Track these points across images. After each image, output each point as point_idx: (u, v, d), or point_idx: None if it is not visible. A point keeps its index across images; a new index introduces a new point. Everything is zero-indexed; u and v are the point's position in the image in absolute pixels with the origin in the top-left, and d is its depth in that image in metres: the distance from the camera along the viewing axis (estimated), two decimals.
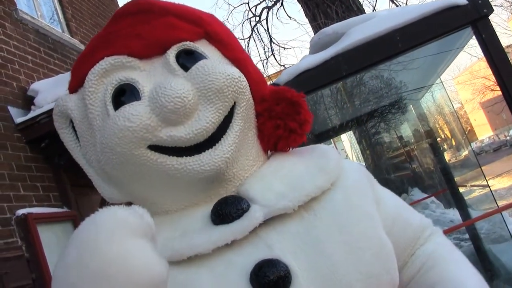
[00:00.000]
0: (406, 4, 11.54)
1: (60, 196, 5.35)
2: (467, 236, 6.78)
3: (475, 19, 3.78)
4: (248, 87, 1.10)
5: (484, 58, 3.96)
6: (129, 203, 0.94)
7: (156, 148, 1.00)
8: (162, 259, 0.71)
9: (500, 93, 3.85)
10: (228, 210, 0.97)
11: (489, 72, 3.95)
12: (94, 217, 0.72)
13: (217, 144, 1.01)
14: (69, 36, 7.20)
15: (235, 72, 1.06)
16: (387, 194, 1.20)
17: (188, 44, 1.09)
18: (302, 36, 64.72)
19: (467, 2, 3.79)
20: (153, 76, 1.06)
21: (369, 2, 26.04)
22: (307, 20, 9.73)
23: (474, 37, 4.00)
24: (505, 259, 5.51)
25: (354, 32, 4.00)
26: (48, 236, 4.60)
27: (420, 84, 7.92)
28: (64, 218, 5.04)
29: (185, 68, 1.05)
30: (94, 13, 8.63)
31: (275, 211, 0.96)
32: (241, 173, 1.07)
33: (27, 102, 5.43)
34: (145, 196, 1.10)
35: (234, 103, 1.06)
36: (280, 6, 12.56)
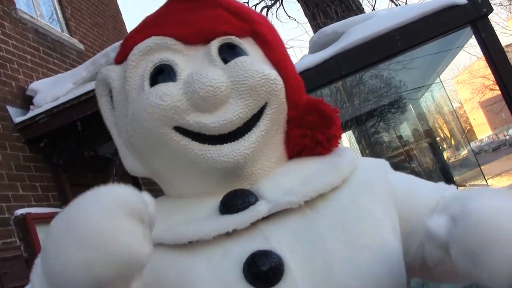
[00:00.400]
0: (406, 3, 11.53)
1: (59, 196, 5.34)
2: None
3: (475, 18, 3.78)
4: (283, 91, 1.12)
5: (484, 58, 3.96)
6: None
7: (181, 130, 1.04)
8: (147, 247, 0.72)
9: (499, 92, 3.85)
10: (235, 201, 0.99)
11: (488, 71, 3.95)
12: (98, 189, 0.75)
13: (240, 139, 1.04)
14: (69, 36, 7.19)
15: (272, 73, 1.08)
16: (398, 180, 1.14)
17: (232, 39, 1.13)
18: (301, 36, 64.94)
19: (466, 1, 3.79)
20: (193, 63, 1.11)
21: (369, 1, 26.04)
22: (306, 20, 9.72)
23: (473, 36, 4.00)
24: None
25: (353, 31, 4.00)
26: None
27: (419, 83, 7.93)
28: None
29: (225, 61, 1.09)
30: (93, 12, 8.62)
31: (279, 205, 0.97)
32: (259, 173, 1.09)
33: (26, 101, 5.41)
34: (164, 175, 1.15)
35: (266, 103, 1.08)
36: (280, 6, 12.57)
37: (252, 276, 0.90)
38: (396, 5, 10.83)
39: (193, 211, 1.04)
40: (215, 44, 1.11)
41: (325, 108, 1.15)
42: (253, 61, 1.08)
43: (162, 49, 1.12)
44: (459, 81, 46.44)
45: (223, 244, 0.96)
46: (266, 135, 1.08)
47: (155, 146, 1.07)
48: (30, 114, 5.13)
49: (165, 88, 1.03)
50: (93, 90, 4.61)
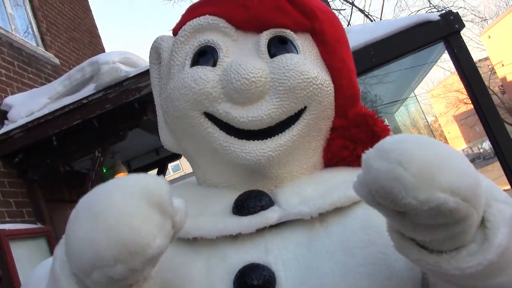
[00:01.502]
0: (381, 19, 11.69)
1: (34, 211, 5.27)
2: None
3: (447, 34, 3.85)
4: (330, 97, 1.06)
5: (455, 73, 4.03)
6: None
7: (210, 117, 1.02)
8: (157, 240, 0.64)
9: (472, 106, 3.91)
10: (247, 203, 0.96)
11: (462, 85, 4.02)
12: (125, 176, 0.71)
13: (269, 139, 1.00)
14: (44, 50, 7.13)
15: (319, 77, 1.02)
16: None
17: (286, 33, 1.07)
18: None
19: (439, 17, 3.86)
20: (240, 49, 1.07)
21: (344, 17, 26.32)
22: None
23: (446, 51, 4.07)
24: None
25: None
26: (21, 252, 4.52)
27: (394, 97, 8.02)
28: (37, 234, 4.96)
29: (274, 56, 1.04)
30: (69, 26, 8.57)
31: (290, 215, 0.93)
32: (286, 176, 1.05)
33: (0, 116, 5.35)
34: (193, 156, 1.13)
35: (305, 107, 1.03)
36: None
37: None
38: (371, 21, 10.97)
39: (207, 205, 1.01)
40: (266, 35, 1.06)
41: (374, 123, 1.08)
42: (300, 60, 1.01)
43: (212, 29, 1.08)
44: (434, 95, 47.04)
45: (224, 247, 0.94)
46: (300, 140, 1.03)
47: (184, 127, 1.06)
48: (5, 129, 5.07)
49: (202, 72, 1.01)
50: (68, 105, 4.61)
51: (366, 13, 11.53)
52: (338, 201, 0.95)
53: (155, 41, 1.20)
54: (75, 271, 0.70)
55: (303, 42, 1.08)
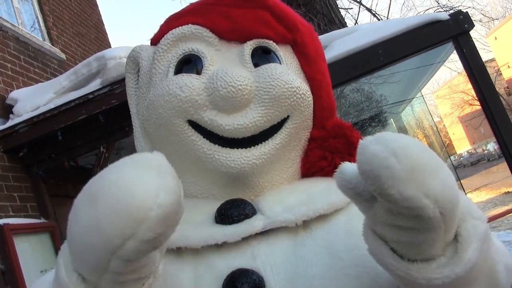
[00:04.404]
0: (387, 18, 11.66)
1: (38, 206, 5.26)
2: None
3: (457, 34, 3.84)
4: (310, 107, 1.09)
5: (463, 73, 4.02)
6: None
7: (195, 125, 1.02)
8: (157, 199, 0.60)
9: (478, 107, 3.92)
10: (231, 212, 0.96)
11: (467, 86, 4.00)
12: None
13: (252, 147, 1.01)
14: (50, 45, 7.12)
15: (302, 87, 1.05)
16: None
17: (269, 43, 1.10)
18: None
19: (448, 17, 3.84)
20: (224, 59, 1.08)
21: (352, 16, 26.28)
22: None
23: (454, 51, 4.05)
24: None
25: (336, 45, 4.02)
26: (24, 247, 4.51)
27: (400, 97, 8.00)
28: (41, 229, 4.95)
29: (257, 65, 1.05)
30: (75, 21, 8.56)
31: (275, 222, 0.94)
32: (267, 185, 1.06)
33: (6, 110, 5.34)
34: (172, 166, 1.09)
35: (288, 116, 1.05)
36: None
37: None
38: (378, 20, 10.95)
39: (189, 214, 0.97)
40: (250, 45, 1.08)
41: (352, 135, 1.11)
42: (284, 70, 1.04)
43: (196, 38, 1.10)
44: (439, 95, 47.00)
45: (211, 255, 0.93)
46: (281, 149, 1.05)
47: (166, 136, 1.05)
48: (10, 123, 5.06)
49: (187, 79, 1.01)
50: (74, 100, 4.60)
51: (374, 12, 11.50)
52: (322, 208, 0.96)
53: (133, 50, 1.20)
54: (86, 274, 0.68)
55: (285, 54, 1.11)
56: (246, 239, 0.93)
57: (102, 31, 9.91)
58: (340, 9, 9.43)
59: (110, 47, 9.42)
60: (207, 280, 0.91)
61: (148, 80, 1.13)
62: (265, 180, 1.06)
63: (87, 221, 0.63)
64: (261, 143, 1.03)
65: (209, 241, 0.92)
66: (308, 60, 1.14)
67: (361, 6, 11.42)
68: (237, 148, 1.01)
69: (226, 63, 1.06)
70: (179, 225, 0.94)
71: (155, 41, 1.17)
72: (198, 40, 1.09)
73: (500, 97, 4.17)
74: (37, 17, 7.31)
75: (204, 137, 1.02)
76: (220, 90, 0.97)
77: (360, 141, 0.65)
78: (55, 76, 6.41)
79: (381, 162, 0.61)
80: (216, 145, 1.01)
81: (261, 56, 1.08)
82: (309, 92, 1.09)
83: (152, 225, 0.60)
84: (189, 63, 1.07)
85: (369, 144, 0.63)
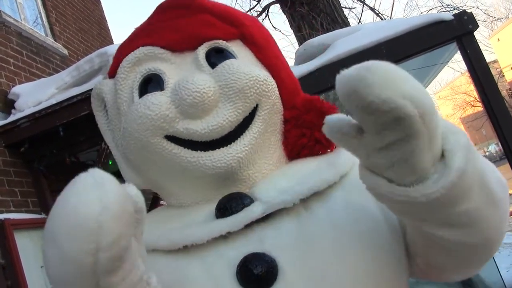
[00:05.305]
0: (390, 17, 11.64)
1: (39, 202, 5.26)
2: None
3: (461, 34, 3.82)
4: (275, 91, 1.11)
5: (465, 74, 4.03)
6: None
7: (172, 139, 1.04)
8: (104, 199, 0.61)
9: (480, 109, 3.91)
10: (230, 204, 0.98)
11: (469, 88, 4.00)
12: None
13: (232, 143, 1.04)
14: (53, 40, 7.11)
15: (261, 74, 1.07)
16: None
17: (219, 43, 1.13)
18: (287, 47, 65.01)
19: (453, 17, 3.83)
20: (181, 70, 1.11)
21: (355, 15, 26.26)
22: (291, 31, 9.75)
23: (458, 52, 4.04)
24: (483, 274, 5.52)
25: (339, 44, 4.01)
26: (25, 242, 4.51)
27: None
28: (42, 224, 4.93)
29: (214, 65, 1.08)
30: (78, 17, 8.55)
31: (273, 206, 0.96)
32: (257, 175, 1.09)
33: (8, 105, 5.34)
34: (162, 185, 1.14)
35: (257, 105, 1.07)
36: (266, 17, 12.58)
37: (244, 280, 0.90)
38: (382, 19, 10.93)
39: (189, 218, 1.03)
40: (202, 50, 1.12)
41: (322, 106, 1.14)
42: (240, 63, 1.07)
43: (150, 59, 1.12)
44: (441, 96, 46.93)
45: (218, 247, 0.95)
46: (260, 137, 1.08)
47: (148, 157, 1.07)
48: (12, 118, 5.06)
49: (152, 97, 1.03)
50: (76, 96, 4.60)
51: (377, 12, 11.48)
52: (315, 185, 0.99)
53: (95, 88, 1.22)
54: None
55: (237, 48, 1.15)
56: (250, 227, 0.96)
57: (104, 28, 9.90)
58: (343, 8, 9.42)
59: (113, 43, 9.42)
60: (219, 268, 0.93)
61: (116, 111, 1.15)
62: (254, 171, 1.08)
63: (56, 258, 0.63)
64: (240, 136, 1.05)
65: (213, 234, 0.94)
66: (259, 48, 1.18)
67: (364, 5, 11.40)
68: (219, 148, 1.03)
69: (185, 73, 1.09)
70: (181, 228, 0.98)
71: (112, 73, 1.19)
72: (152, 59, 1.12)
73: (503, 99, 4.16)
74: (40, 13, 7.30)
75: (185, 147, 1.04)
76: (186, 99, 1.00)
77: (337, 75, 0.68)
78: (57, 71, 6.40)
79: (355, 78, 0.63)
80: (198, 151, 1.03)
81: (216, 56, 1.11)
82: (270, 77, 1.11)
83: (109, 227, 0.61)
84: (150, 82, 1.09)
85: (344, 72, 0.66)
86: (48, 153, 5.17)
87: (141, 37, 1.17)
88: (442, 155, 0.73)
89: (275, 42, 1.27)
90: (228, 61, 1.07)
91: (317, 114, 1.13)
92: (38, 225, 4.88)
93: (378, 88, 0.62)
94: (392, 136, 0.67)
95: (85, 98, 4.63)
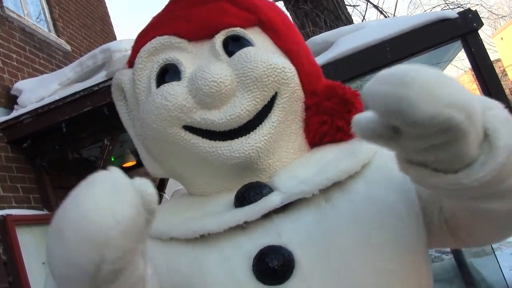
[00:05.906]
0: (394, 15, 11.61)
1: (41, 198, 5.25)
2: (448, 249, 6.78)
3: (465, 32, 3.81)
4: (295, 78, 1.09)
5: (468, 72, 4.02)
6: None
7: (190, 129, 1.03)
8: (117, 213, 0.61)
9: None
10: (248, 193, 0.97)
11: (472, 86, 3.98)
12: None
13: (251, 132, 1.02)
14: (56, 36, 7.10)
15: (279, 62, 1.05)
16: None
17: (236, 31, 1.11)
18: None
19: (457, 15, 3.82)
20: (198, 59, 1.10)
21: (360, 12, 26.20)
22: None
23: (462, 50, 4.03)
24: (486, 273, 5.52)
25: (343, 41, 4.00)
26: (27, 238, 4.51)
27: None
28: (44, 220, 4.94)
29: (232, 54, 1.07)
30: (81, 13, 8.54)
31: (292, 196, 0.95)
32: (277, 164, 1.07)
33: (10, 101, 5.33)
34: (182, 175, 1.14)
35: (276, 93, 1.05)
36: None
37: (260, 272, 0.89)
38: (385, 17, 10.90)
39: (208, 207, 1.02)
40: (219, 38, 1.10)
41: (344, 92, 1.11)
42: (258, 51, 1.05)
43: (167, 48, 1.11)
44: None
45: (235, 238, 0.95)
46: (280, 126, 1.06)
47: (167, 147, 1.06)
48: (14, 114, 5.05)
49: (169, 88, 1.03)
50: (79, 92, 4.59)
51: (381, 9, 11.45)
52: (335, 175, 0.97)
53: (114, 78, 1.22)
54: None
55: (255, 36, 1.12)
56: (269, 217, 0.95)
57: (108, 24, 9.89)
58: (347, 6, 9.40)
59: (116, 39, 9.40)
60: (236, 260, 0.92)
61: (135, 101, 1.15)
62: (274, 160, 1.06)
63: (60, 257, 0.63)
64: (259, 126, 1.03)
65: (231, 223, 0.93)
66: (278, 34, 1.15)
67: (368, 3, 11.37)
68: (237, 138, 1.02)
69: (202, 62, 1.08)
70: (199, 217, 0.97)
71: (131, 63, 1.19)
72: (169, 49, 1.11)
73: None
74: (43, 8, 7.29)
75: (203, 137, 1.03)
76: (203, 89, 0.99)
77: (364, 89, 0.64)
78: (60, 67, 6.40)
79: (393, 98, 0.60)
80: (217, 141, 1.02)
81: (234, 44, 1.09)
82: (290, 65, 1.09)
83: (117, 243, 0.61)
84: (168, 73, 1.09)
85: (374, 88, 0.62)
86: (51, 149, 5.16)
87: (157, 27, 1.16)
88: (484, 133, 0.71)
89: (295, 27, 1.24)
90: (245, 49, 1.05)
91: (338, 100, 1.11)
92: (40, 221, 4.87)
93: (423, 105, 0.58)
94: (437, 139, 0.64)
95: (88, 94, 4.63)
